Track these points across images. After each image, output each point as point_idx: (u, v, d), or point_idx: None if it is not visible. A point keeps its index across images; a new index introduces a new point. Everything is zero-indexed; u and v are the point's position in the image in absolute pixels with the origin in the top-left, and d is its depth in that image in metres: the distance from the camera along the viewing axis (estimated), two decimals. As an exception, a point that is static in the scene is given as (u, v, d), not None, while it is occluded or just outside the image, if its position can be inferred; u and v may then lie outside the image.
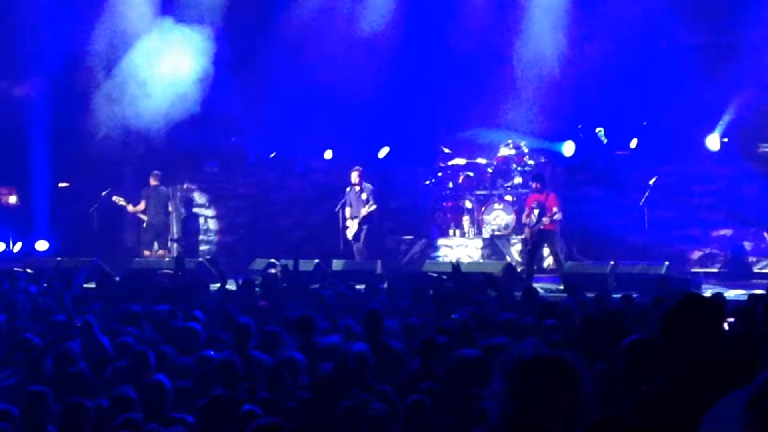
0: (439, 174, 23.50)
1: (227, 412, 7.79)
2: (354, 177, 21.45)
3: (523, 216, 19.81)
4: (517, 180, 22.31)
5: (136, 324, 11.94)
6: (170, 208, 24.12)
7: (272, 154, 24.88)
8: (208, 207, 26.44)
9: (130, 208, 23.78)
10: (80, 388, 8.74)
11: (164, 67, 23.08)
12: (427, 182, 23.28)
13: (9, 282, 17.23)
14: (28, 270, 19.83)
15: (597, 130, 22.11)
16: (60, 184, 26.40)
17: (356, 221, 21.37)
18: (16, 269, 19.72)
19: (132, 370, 9.52)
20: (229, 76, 23.55)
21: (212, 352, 9.98)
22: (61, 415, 7.94)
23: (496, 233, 22.15)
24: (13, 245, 24.41)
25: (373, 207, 21.41)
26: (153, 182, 23.69)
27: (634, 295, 14.04)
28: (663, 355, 4.76)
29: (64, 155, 24.63)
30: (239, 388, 8.60)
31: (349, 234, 21.53)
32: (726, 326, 10.00)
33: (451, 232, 23.01)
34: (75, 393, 8.39)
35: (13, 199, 26.16)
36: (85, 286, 17.48)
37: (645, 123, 20.21)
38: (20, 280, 17.19)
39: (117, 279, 18.75)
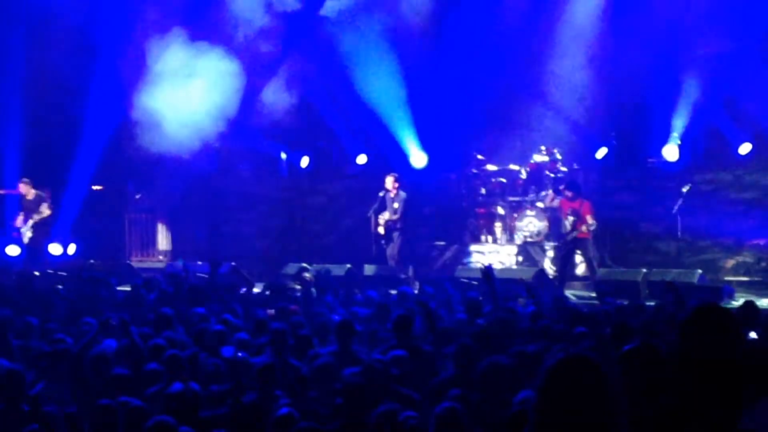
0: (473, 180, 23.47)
1: (262, 416, 7.82)
2: (389, 182, 21.34)
3: (564, 224, 19.65)
4: (550, 187, 22.20)
5: (169, 327, 12.01)
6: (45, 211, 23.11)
7: (305, 161, 24.93)
8: (240, 211, 26.53)
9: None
10: (113, 390, 8.78)
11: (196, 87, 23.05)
12: None
13: (43, 283, 17.40)
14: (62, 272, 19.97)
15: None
16: (93, 187, 26.55)
17: (384, 226, 21.27)
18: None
19: (165, 373, 9.58)
20: (263, 81, 23.65)
21: (240, 355, 10.00)
22: (93, 417, 7.99)
23: (529, 240, 22.09)
24: (50, 247, 24.54)
25: (396, 217, 21.20)
26: (24, 189, 23.12)
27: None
28: (680, 364, 4.75)
29: (99, 158, 24.78)
30: (275, 393, 8.63)
31: (382, 237, 21.45)
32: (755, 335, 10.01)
33: (483, 238, 22.96)
34: (108, 395, 8.44)
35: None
36: (119, 288, 17.58)
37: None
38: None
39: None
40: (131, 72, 23.19)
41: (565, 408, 3.77)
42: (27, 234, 22.77)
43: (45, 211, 22.76)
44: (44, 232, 23.02)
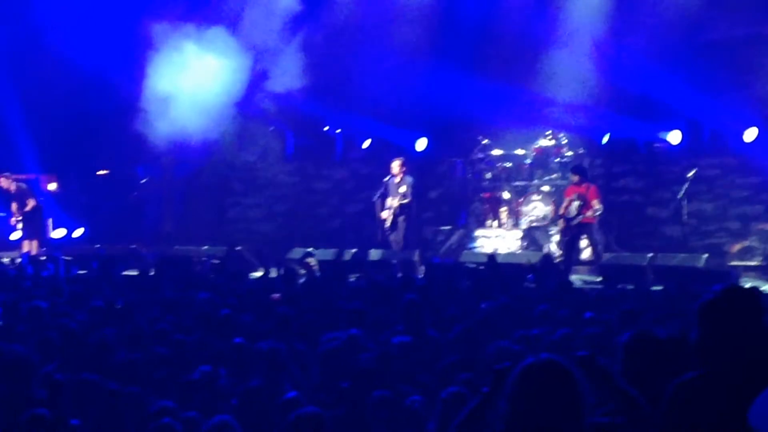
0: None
1: (267, 400, 7.84)
2: (395, 167, 21.26)
3: (561, 208, 19.73)
4: (556, 171, 22.19)
5: (172, 311, 12.03)
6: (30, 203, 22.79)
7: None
8: (247, 195, 26.57)
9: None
10: (118, 376, 8.81)
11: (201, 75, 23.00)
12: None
13: (53, 267, 17.43)
14: (67, 257, 19.99)
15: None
16: (99, 172, 26.61)
17: (391, 212, 21.20)
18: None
19: (170, 358, 9.61)
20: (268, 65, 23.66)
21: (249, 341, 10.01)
22: (97, 402, 8.01)
23: (534, 224, 22.08)
24: (54, 231, 24.62)
25: (406, 200, 21.16)
26: (5, 184, 22.84)
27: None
28: (701, 346, 4.75)
29: (104, 144, 24.82)
30: (281, 377, 8.64)
31: (386, 225, 21.44)
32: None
33: (488, 222, 22.93)
34: (114, 380, 8.47)
35: (53, 186, 26.37)
36: (124, 273, 17.63)
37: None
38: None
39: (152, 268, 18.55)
40: (138, 54, 23.20)
41: (532, 411, 3.85)
42: (18, 228, 22.73)
43: (30, 203, 22.65)
44: (35, 223, 22.91)
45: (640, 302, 12.23)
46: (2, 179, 22.76)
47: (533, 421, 3.89)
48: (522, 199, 22.44)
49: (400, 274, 17.57)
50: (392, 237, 21.30)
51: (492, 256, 16.69)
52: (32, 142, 24.59)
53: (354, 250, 20.58)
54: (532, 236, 21.84)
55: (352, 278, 16.65)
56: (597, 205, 18.94)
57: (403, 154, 22.27)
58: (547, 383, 3.94)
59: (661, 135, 21.85)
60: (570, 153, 22.14)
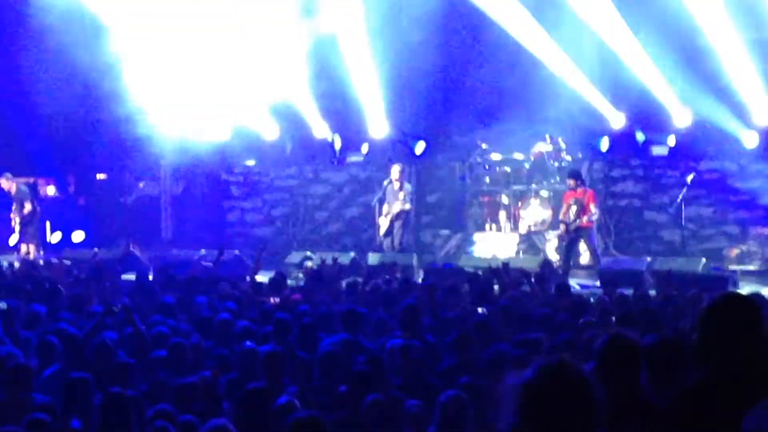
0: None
1: (266, 404, 7.82)
2: (394, 172, 21.21)
3: (561, 213, 19.72)
4: (554, 176, 22.17)
5: (170, 315, 12.01)
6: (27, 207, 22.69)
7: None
8: (245, 200, 26.56)
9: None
10: (119, 379, 8.79)
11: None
12: None
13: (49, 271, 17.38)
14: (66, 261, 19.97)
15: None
16: (98, 176, 26.60)
17: (388, 218, 21.15)
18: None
19: (168, 361, 9.59)
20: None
21: (250, 344, 9.98)
22: (101, 406, 7.99)
23: (533, 229, 22.08)
24: (52, 235, 24.60)
25: (407, 206, 21.09)
26: (6, 185, 22.78)
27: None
28: (701, 352, 4.74)
29: (102, 148, 24.81)
30: (281, 381, 8.63)
31: (381, 231, 21.37)
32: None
33: (487, 227, 22.94)
34: (114, 383, 8.45)
35: (51, 191, 26.35)
36: (123, 277, 17.59)
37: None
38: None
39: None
40: (136, 59, 23.18)
41: (546, 417, 3.69)
42: (16, 231, 22.64)
43: (27, 206, 22.54)
44: (33, 227, 22.80)
45: (639, 306, 12.21)
46: (3, 180, 22.76)
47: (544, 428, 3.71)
48: (521, 204, 22.45)
49: (399, 277, 17.54)
50: (386, 242, 21.23)
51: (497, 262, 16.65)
52: (31, 144, 24.57)
53: (352, 254, 20.59)
54: (531, 240, 21.84)
55: (351, 282, 16.61)
56: (593, 209, 18.93)
57: (402, 159, 22.27)
58: (560, 389, 3.70)
59: (660, 138, 21.82)
60: (569, 157, 22.14)
